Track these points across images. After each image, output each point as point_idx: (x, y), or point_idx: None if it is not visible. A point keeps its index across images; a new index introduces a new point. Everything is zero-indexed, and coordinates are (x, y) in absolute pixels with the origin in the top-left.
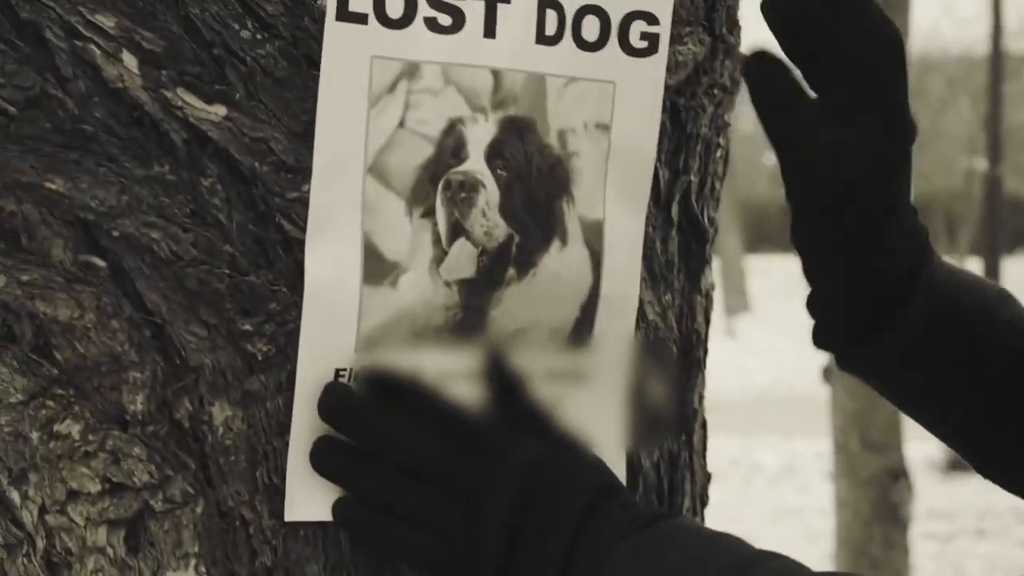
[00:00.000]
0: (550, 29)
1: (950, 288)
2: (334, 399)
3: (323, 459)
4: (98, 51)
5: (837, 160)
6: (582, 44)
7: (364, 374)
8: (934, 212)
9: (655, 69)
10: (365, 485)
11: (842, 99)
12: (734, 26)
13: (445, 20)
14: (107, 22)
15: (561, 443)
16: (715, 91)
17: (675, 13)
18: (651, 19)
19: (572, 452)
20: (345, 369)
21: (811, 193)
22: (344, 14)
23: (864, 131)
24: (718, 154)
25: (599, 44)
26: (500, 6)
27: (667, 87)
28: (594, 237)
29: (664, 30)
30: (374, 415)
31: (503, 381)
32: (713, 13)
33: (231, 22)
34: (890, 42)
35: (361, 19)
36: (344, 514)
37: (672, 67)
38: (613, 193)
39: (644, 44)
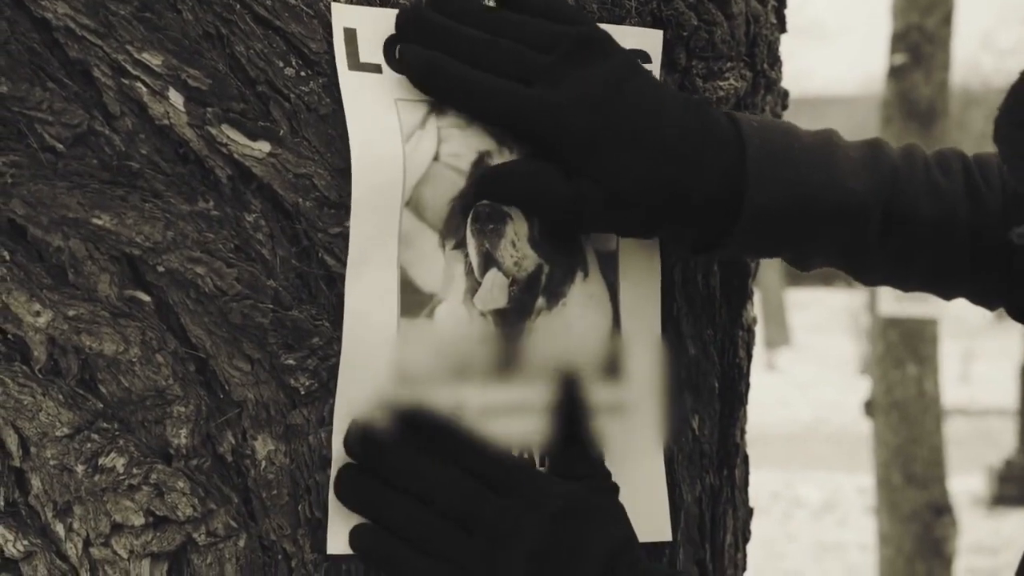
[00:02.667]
0: None
1: (770, 199)
2: (359, 433)
3: (346, 486)
4: (145, 89)
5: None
6: None
7: (395, 410)
8: None
9: None
10: (387, 513)
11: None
12: (775, 61)
13: None
14: (154, 60)
15: (595, 484)
16: None
17: (716, 48)
18: (645, 57)
19: (602, 495)
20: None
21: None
22: (356, 65)
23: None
24: None
25: None
26: None
27: None
28: (610, 269)
29: (656, 68)
30: (400, 448)
31: (568, 406)
32: (754, 48)
33: (275, 60)
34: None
35: (375, 68)
36: (362, 541)
37: (714, 102)
38: None
39: None
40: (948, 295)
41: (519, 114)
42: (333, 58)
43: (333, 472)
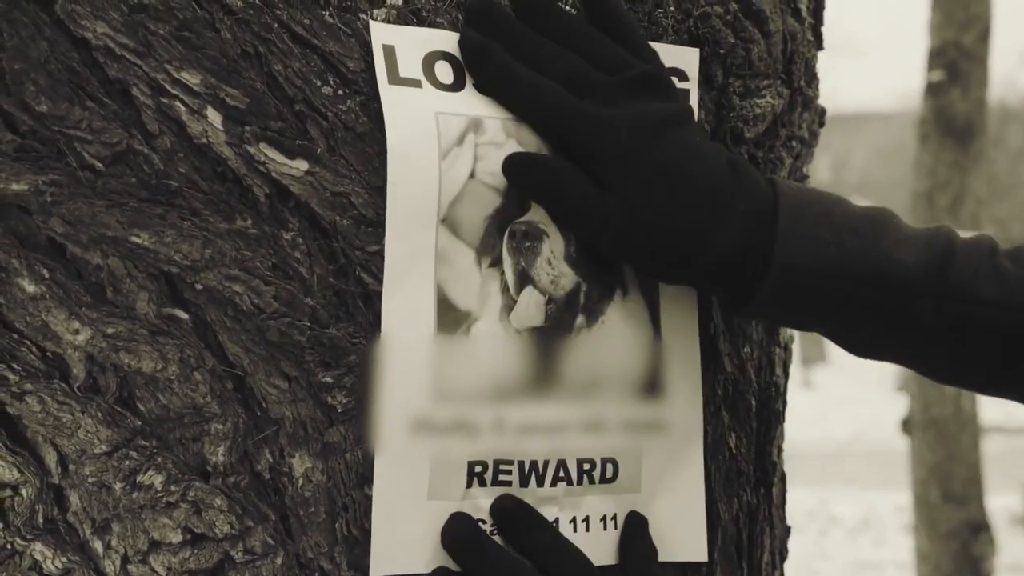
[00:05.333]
0: None
1: (802, 255)
2: (461, 528)
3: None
4: (183, 107)
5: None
6: None
7: (494, 508)
8: None
9: None
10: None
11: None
12: (812, 79)
13: None
14: (192, 79)
15: None
16: (793, 143)
17: (753, 66)
18: (682, 75)
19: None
20: (480, 463)
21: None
22: (396, 79)
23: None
24: None
25: None
26: None
27: (745, 139)
28: (650, 287)
29: (693, 85)
30: (502, 557)
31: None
32: (791, 66)
33: (313, 78)
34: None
35: (414, 83)
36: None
37: (751, 119)
38: None
39: None
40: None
41: (561, 118)
42: (371, 77)
43: (376, 491)
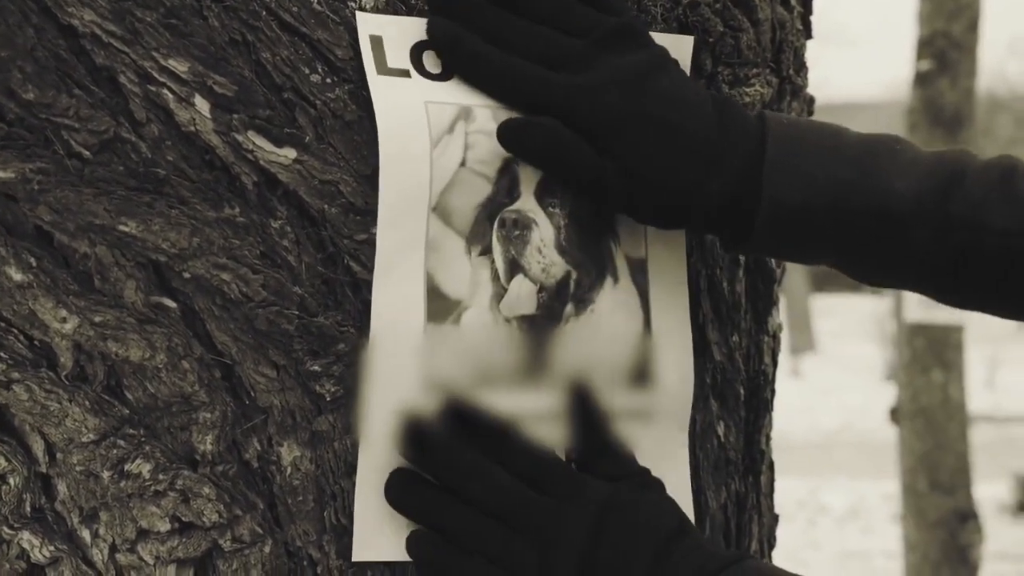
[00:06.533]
0: None
1: (791, 191)
2: (415, 433)
3: (398, 493)
4: (171, 95)
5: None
6: None
7: (443, 408)
8: None
9: None
10: (442, 520)
11: None
12: (801, 67)
13: None
14: (180, 67)
15: (635, 481)
16: None
17: (742, 54)
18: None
19: (645, 490)
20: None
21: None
22: (384, 69)
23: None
24: None
25: None
26: None
27: None
28: (640, 275)
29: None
30: (453, 451)
31: (586, 415)
32: (780, 55)
33: (301, 66)
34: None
35: (403, 73)
36: (419, 548)
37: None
38: (652, 232)
39: None
40: None
41: (539, 96)
42: (359, 64)
43: (360, 479)
